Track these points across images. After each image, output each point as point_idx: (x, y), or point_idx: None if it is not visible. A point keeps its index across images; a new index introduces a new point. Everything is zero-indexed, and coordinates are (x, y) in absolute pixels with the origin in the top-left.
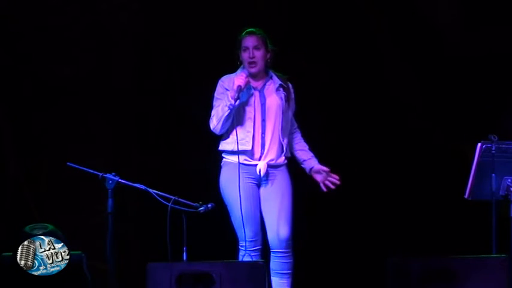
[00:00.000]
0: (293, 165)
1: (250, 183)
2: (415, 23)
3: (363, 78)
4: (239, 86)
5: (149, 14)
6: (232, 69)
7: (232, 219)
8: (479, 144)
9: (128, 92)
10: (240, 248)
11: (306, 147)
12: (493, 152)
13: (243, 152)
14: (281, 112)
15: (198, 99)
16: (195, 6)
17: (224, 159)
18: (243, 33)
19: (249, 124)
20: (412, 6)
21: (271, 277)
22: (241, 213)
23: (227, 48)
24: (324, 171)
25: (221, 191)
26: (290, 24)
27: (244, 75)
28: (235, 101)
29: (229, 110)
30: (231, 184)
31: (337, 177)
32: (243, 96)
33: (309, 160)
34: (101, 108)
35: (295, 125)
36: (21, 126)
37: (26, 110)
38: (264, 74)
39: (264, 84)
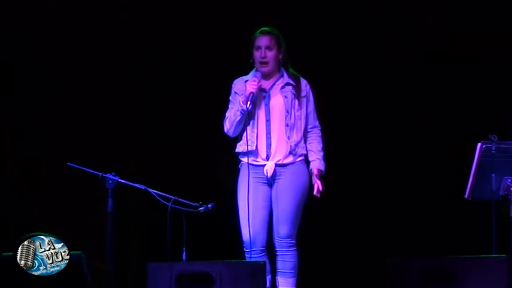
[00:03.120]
0: None
1: (259, 184)
2: (415, 23)
3: (364, 78)
4: (251, 93)
5: (149, 14)
6: (232, 69)
7: (239, 219)
8: (479, 144)
9: (127, 92)
10: (245, 248)
11: (317, 148)
12: (493, 152)
13: (250, 153)
14: (286, 111)
15: (198, 99)
16: (195, 6)
17: (241, 161)
18: (257, 32)
19: (253, 125)
20: (414, 5)
21: (276, 276)
22: (248, 213)
23: (227, 47)
24: (314, 174)
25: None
26: (293, 24)
27: (257, 80)
28: (247, 107)
29: (240, 115)
30: (242, 185)
31: (320, 187)
32: (251, 99)
33: (312, 162)
34: (100, 108)
35: (313, 124)
36: (21, 126)
37: (26, 110)
38: (275, 73)
39: (273, 84)
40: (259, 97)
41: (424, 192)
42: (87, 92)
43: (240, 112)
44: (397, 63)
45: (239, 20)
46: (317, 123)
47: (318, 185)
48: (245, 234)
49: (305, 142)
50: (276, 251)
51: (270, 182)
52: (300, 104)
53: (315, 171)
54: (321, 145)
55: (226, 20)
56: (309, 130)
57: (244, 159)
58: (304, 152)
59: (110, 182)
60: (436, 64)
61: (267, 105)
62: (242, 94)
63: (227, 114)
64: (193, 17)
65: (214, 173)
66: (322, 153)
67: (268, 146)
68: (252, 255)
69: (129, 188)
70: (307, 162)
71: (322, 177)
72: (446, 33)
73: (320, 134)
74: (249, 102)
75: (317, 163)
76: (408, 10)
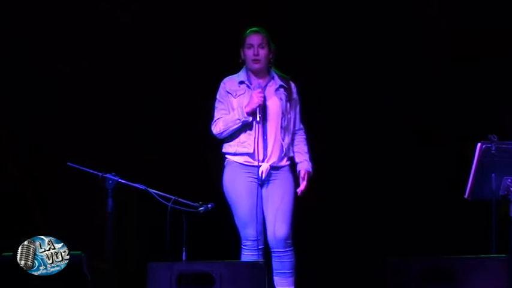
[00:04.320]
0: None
1: (253, 183)
2: (415, 23)
3: (363, 78)
4: (259, 105)
5: (149, 14)
6: (232, 69)
7: (236, 218)
8: (479, 144)
9: (127, 92)
10: (243, 247)
11: (303, 149)
12: (493, 152)
13: (245, 154)
14: (281, 113)
15: (198, 99)
16: (194, 7)
17: (227, 160)
18: (248, 31)
19: (250, 126)
20: (411, 5)
21: (274, 277)
22: (246, 212)
23: (227, 48)
24: (301, 175)
25: (224, 191)
26: (291, 24)
27: (262, 91)
28: (257, 120)
29: (241, 124)
30: (235, 184)
31: (303, 188)
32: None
33: (300, 163)
34: (101, 108)
35: (299, 126)
36: (21, 126)
37: (26, 110)
38: (266, 74)
39: (266, 85)
40: None
41: (424, 192)
42: (87, 92)
43: (242, 122)
44: (398, 63)
45: (240, 20)
46: (302, 125)
47: (302, 186)
48: (251, 234)
49: (291, 144)
50: (272, 252)
51: (262, 183)
52: (290, 106)
53: (302, 172)
54: (307, 147)
55: (226, 20)
56: (296, 132)
57: (235, 158)
58: (292, 155)
59: (110, 182)
60: (436, 64)
61: (264, 107)
62: (237, 96)
63: (216, 114)
64: (193, 17)
65: (214, 173)
66: (308, 155)
67: (265, 147)
68: (255, 254)
69: (129, 188)
70: (292, 164)
71: (309, 178)
72: (446, 33)
73: (305, 136)
74: (258, 116)
75: (305, 164)
76: (406, 8)
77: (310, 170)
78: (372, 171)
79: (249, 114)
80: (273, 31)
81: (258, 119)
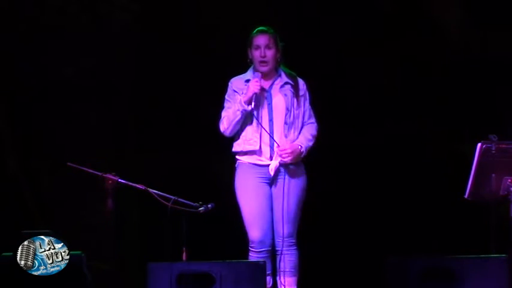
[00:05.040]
0: None
1: (262, 183)
2: (417, 22)
3: (364, 78)
4: (255, 93)
5: (149, 15)
6: (232, 68)
7: (243, 219)
8: (479, 144)
9: (127, 92)
10: (250, 248)
11: (307, 132)
12: (493, 152)
13: (253, 152)
14: (286, 109)
15: (198, 99)
16: (194, 6)
17: (238, 161)
18: (255, 32)
19: (256, 124)
20: (415, 5)
21: (277, 276)
22: (252, 213)
23: (227, 47)
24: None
25: (235, 192)
26: (298, 24)
27: (258, 80)
28: (252, 107)
29: (241, 115)
30: (244, 184)
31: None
32: (255, 100)
33: (299, 139)
34: (101, 108)
35: (308, 119)
36: (21, 126)
37: (26, 110)
38: (273, 73)
39: (272, 84)
40: (261, 97)
41: (424, 192)
42: (87, 92)
43: (241, 112)
44: (402, 62)
45: (239, 20)
46: (313, 119)
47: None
48: (255, 235)
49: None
50: (276, 251)
51: (272, 181)
52: (298, 103)
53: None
54: (314, 132)
55: (226, 20)
56: (305, 124)
57: (244, 159)
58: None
59: (110, 182)
60: (437, 64)
61: (270, 105)
62: (243, 93)
63: (223, 113)
64: (193, 17)
65: (215, 173)
66: (311, 138)
67: (272, 145)
68: (261, 256)
69: (129, 188)
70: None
71: (294, 153)
72: (451, 33)
73: (315, 126)
74: (253, 103)
75: (302, 139)
76: (409, 8)
77: (303, 145)
78: (373, 171)
79: (246, 102)
80: (281, 30)
81: (252, 106)
